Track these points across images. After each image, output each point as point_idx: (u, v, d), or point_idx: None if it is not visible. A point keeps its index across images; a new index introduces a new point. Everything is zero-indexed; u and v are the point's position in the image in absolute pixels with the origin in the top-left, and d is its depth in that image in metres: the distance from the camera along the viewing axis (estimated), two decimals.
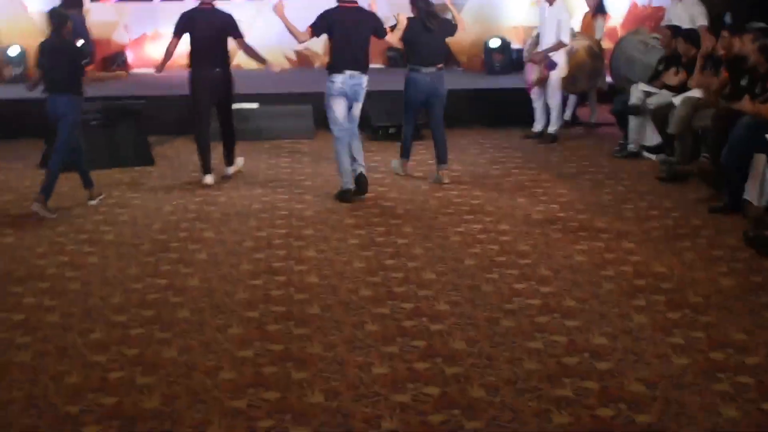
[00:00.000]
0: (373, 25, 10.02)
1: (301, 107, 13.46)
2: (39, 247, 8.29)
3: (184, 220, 9.10)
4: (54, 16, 9.66)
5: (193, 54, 10.58)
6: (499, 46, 16.24)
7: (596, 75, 13.15)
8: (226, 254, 8.01)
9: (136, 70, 16.80)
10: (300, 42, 10.23)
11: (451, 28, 10.86)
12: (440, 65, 10.71)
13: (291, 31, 9.89)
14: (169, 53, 10.69)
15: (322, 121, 13.25)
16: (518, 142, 12.87)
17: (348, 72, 9.80)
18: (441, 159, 10.73)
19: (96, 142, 11.33)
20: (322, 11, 9.92)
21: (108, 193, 10.16)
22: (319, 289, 7.15)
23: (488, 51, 16.30)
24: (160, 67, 10.81)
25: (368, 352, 5.93)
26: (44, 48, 9.56)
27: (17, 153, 12.34)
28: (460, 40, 16.49)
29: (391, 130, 12.88)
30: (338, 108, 9.93)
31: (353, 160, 9.94)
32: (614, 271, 7.50)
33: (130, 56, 17.00)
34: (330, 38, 10.01)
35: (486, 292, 7.04)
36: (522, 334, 6.21)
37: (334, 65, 9.87)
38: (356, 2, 9.99)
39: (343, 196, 9.86)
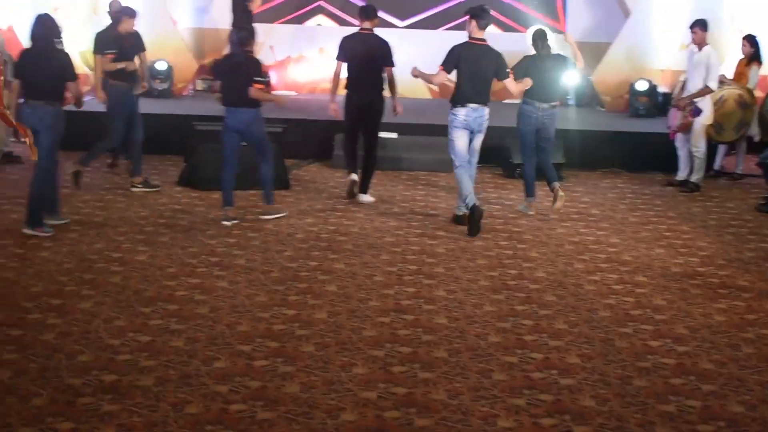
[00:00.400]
0: (495, 65, 10.06)
1: (440, 139, 13.30)
2: (170, 267, 8.31)
3: (316, 249, 9.05)
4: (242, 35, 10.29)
5: (350, 78, 10.94)
6: (647, 88, 15.90)
7: (745, 125, 12.78)
8: (355, 288, 7.92)
9: (277, 92, 16.91)
10: (436, 84, 10.31)
11: (565, 63, 10.84)
12: (554, 103, 10.78)
13: (427, 80, 10.22)
14: (336, 77, 11.10)
15: None
16: (659, 188, 12.56)
17: (471, 105, 9.93)
18: (551, 178, 10.79)
19: None
20: (450, 47, 10.01)
21: (242, 216, 10.17)
22: (447, 331, 7.00)
23: (634, 93, 15.98)
24: (332, 94, 11.23)
25: (494, 403, 5.75)
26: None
27: (158, 168, 12.48)
28: (606, 80, 16.31)
29: None
30: (460, 141, 10.08)
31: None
32: (755, 334, 7.19)
33: (273, 78, 17.11)
34: (457, 72, 10.03)
35: (619, 347, 6.79)
36: (655, 395, 5.96)
37: (458, 98, 10.00)
38: (485, 40, 10.03)
39: (459, 220, 10.14)
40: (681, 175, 12.64)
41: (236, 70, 9.91)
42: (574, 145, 13.32)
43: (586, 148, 13.60)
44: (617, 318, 7.44)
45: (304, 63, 17.29)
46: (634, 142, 13.88)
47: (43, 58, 9.12)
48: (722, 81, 12.83)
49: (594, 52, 16.81)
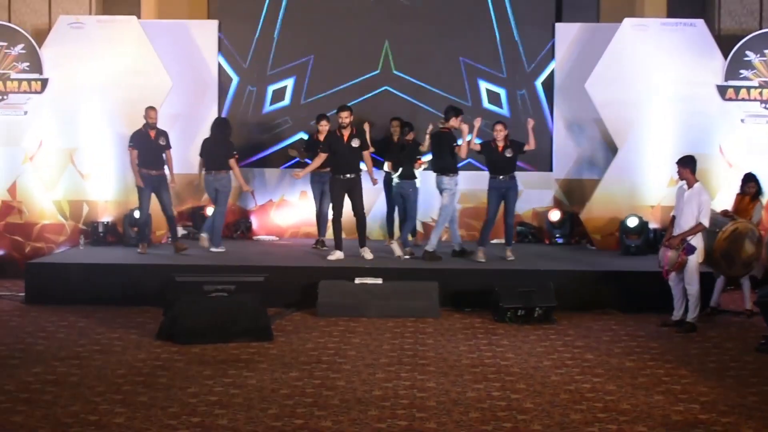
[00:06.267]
0: None
1: (426, 284, 13.07)
2: (149, 430, 7.88)
3: (301, 405, 8.65)
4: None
5: (334, 164, 14.16)
6: (636, 225, 15.69)
7: (755, 260, 12.55)
8: None
9: (259, 237, 16.72)
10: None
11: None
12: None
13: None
14: (319, 160, 14.40)
15: (447, 298, 12.99)
16: (655, 330, 12.20)
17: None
18: None
19: (215, 314, 11.14)
20: None
21: (224, 371, 9.80)
22: None
23: (624, 230, 15.76)
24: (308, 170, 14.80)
25: None
26: None
27: (136, 321, 12.17)
28: (595, 217, 16.16)
29: (520, 312, 12.37)
30: None
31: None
32: None
33: (254, 223, 16.92)
34: None
35: None
36: None
37: None
38: None
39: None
40: (676, 315, 12.32)
41: None
42: (565, 286, 13.05)
43: (577, 288, 13.34)
44: None
45: (286, 207, 17.09)
46: (627, 281, 13.58)
47: None
48: (731, 216, 12.67)
49: (582, 189, 16.71)
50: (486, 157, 14.61)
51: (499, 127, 14.39)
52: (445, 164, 14.45)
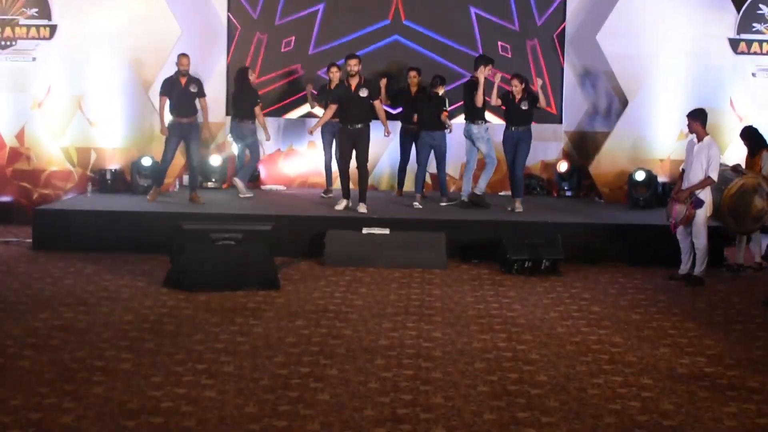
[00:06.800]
0: None
1: (433, 235, 13.05)
2: (155, 376, 7.93)
3: (307, 354, 8.68)
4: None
5: (342, 114, 14.07)
6: (645, 178, 15.64)
7: (765, 215, 12.48)
8: (349, 396, 7.54)
9: (266, 187, 16.67)
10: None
11: None
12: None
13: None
14: (330, 112, 14.34)
15: (455, 250, 12.97)
16: (662, 283, 12.20)
17: None
18: None
19: (222, 263, 11.13)
20: None
21: (231, 319, 9.82)
22: None
23: (633, 184, 15.71)
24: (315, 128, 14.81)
25: None
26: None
27: (143, 269, 12.18)
28: (604, 170, 16.13)
29: (527, 264, 12.36)
30: None
31: None
32: None
33: (262, 172, 16.86)
34: None
35: None
36: None
37: None
38: None
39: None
40: (684, 268, 12.30)
41: None
42: (572, 238, 13.04)
43: (584, 241, 13.34)
44: (623, 425, 7.08)
45: (295, 156, 17.04)
46: (635, 234, 13.55)
47: None
48: (740, 170, 12.63)
49: (591, 142, 16.64)
50: (504, 108, 14.64)
51: (515, 81, 14.42)
52: (473, 112, 14.72)
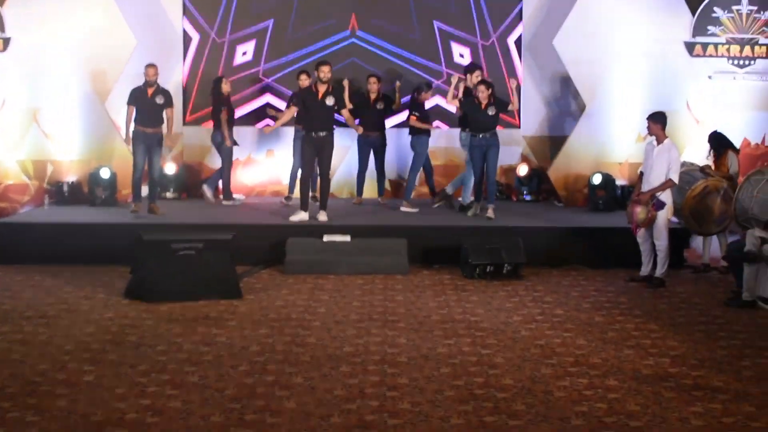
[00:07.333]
0: None
1: (395, 241, 13.03)
2: (119, 387, 7.84)
3: (272, 362, 8.62)
4: None
5: (306, 121, 14.01)
6: (602, 182, 15.71)
7: (728, 218, 12.54)
8: (316, 404, 7.49)
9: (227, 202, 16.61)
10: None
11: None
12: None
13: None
14: (289, 114, 14.61)
15: (416, 255, 12.97)
16: (623, 285, 12.25)
17: None
18: None
19: (183, 273, 11.05)
20: None
21: (193, 329, 9.75)
22: None
23: (592, 187, 15.79)
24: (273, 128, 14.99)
25: None
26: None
27: (103, 280, 12.07)
28: (563, 174, 16.19)
29: (489, 269, 12.37)
30: None
31: None
32: None
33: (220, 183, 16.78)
34: None
35: None
36: None
37: None
38: None
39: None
40: (644, 270, 12.36)
41: None
42: (533, 242, 13.06)
43: (545, 245, 13.37)
44: (590, 427, 7.09)
45: (253, 166, 16.99)
46: (595, 237, 13.60)
47: None
48: (706, 172, 12.72)
49: (550, 146, 16.69)
50: (468, 115, 14.56)
51: (482, 87, 14.30)
52: (461, 121, 15.20)
